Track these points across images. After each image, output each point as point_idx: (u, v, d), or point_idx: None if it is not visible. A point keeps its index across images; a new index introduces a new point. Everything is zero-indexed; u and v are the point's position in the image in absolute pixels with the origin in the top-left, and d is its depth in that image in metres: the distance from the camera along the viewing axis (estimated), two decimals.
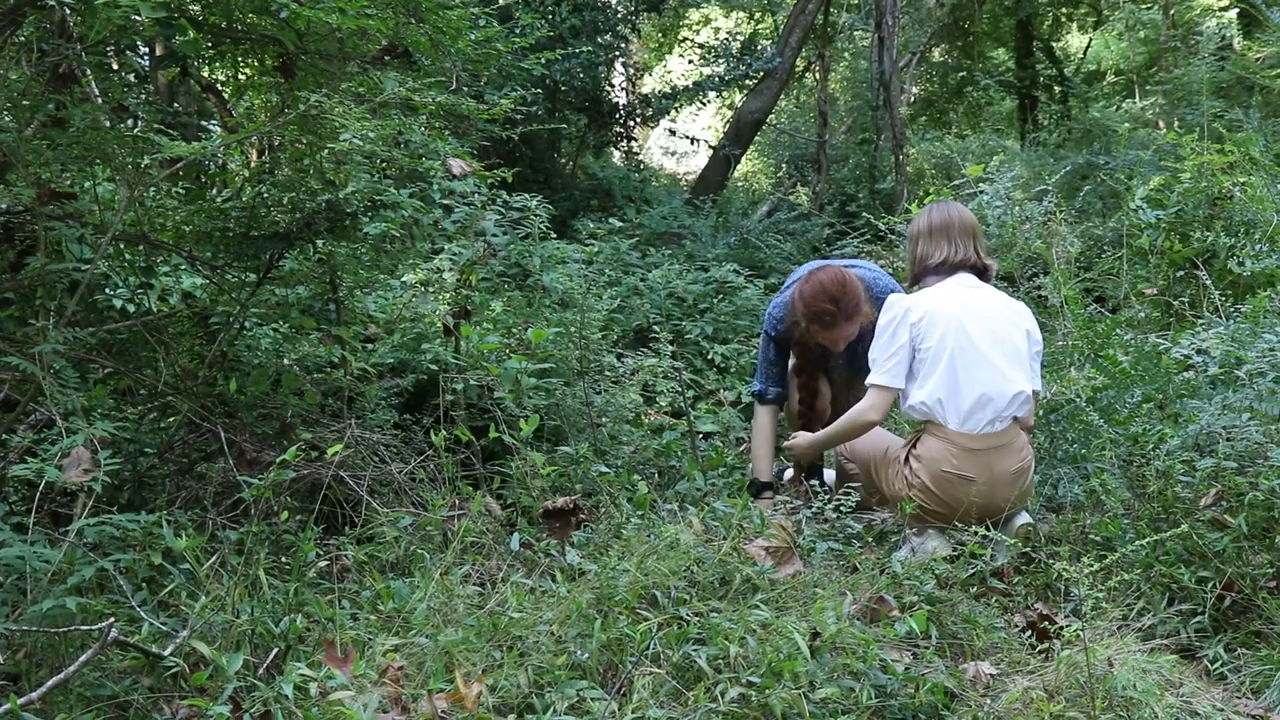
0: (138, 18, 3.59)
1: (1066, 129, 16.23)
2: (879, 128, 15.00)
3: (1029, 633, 3.89)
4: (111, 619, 3.17)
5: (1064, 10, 21.34)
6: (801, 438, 5.24)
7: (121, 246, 5.06)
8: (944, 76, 21.32)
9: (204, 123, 7.74)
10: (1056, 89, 19.96)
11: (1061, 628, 3.62)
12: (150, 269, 5.24)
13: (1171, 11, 18.88)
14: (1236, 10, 16.70)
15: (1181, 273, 7.24)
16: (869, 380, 4.72)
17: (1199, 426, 4.49)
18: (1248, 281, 6.40)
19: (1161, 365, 5.18)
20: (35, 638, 3.26)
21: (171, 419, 5.04)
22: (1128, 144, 12.54)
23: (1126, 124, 14.82)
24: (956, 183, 8.92)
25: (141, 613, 3.44)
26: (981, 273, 4.82)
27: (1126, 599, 4.01)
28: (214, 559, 3.81)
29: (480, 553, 4.35)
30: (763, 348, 5.66)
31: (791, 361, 5.65)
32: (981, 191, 8.27)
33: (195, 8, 4.53)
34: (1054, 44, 21.48)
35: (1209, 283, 6.35)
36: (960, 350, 4.51)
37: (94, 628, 3.15)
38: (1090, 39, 22.15)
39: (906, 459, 4.70)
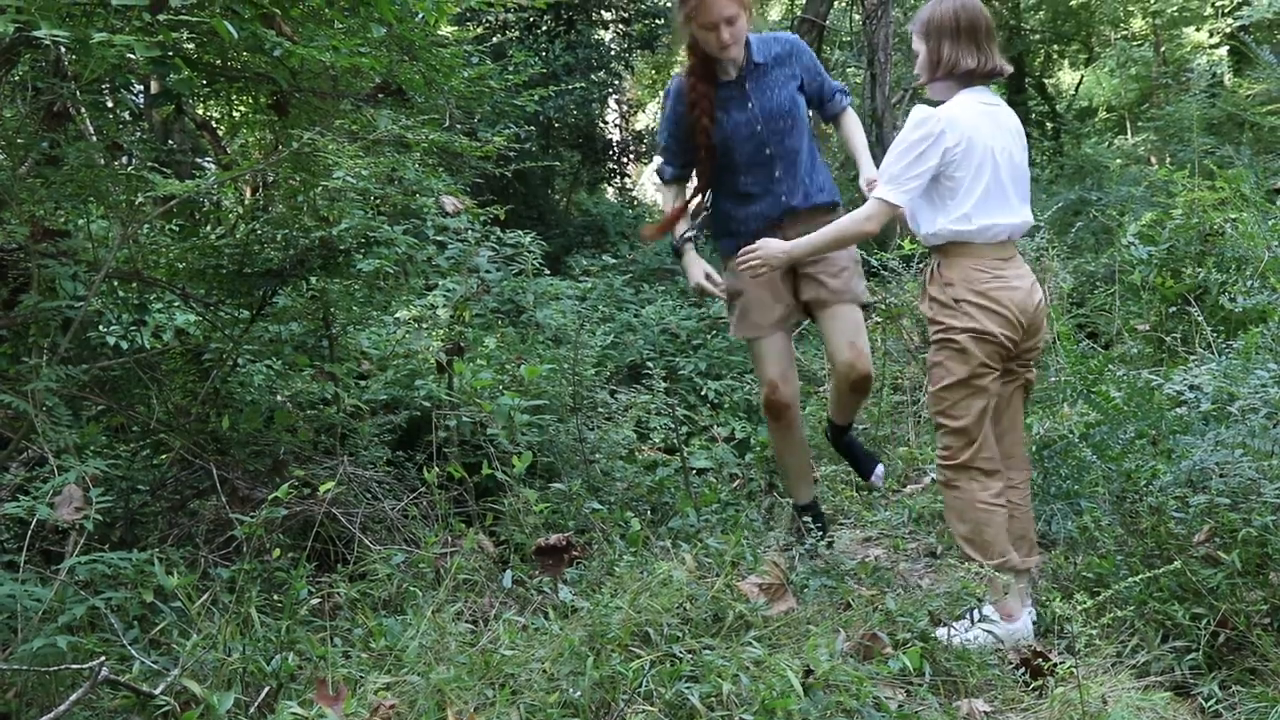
0: (132, 56, 3.60)
1: (1059, 165, 16.32)
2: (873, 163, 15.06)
3: (1023, 670, 3.87)
4: (103, 657, 3.16)
5: (1056, 47, 21.50)
6: (772, 243, 4.53)
7: (115, 284, 5.06)
8: None
9: (198, 160, 7.77)
10: (1049, 125, 20.08)
11: (1055, 665, 3.62)
12: (143, 306, 5.25)
13: (1163, 49, 19.06)
14: (1227, 48, 16.82)
15: (1174, 309, 7.25)
16: (877, 192, 4.22)
17: (1192, 462, 4.48)
18: (1239, 317, 6.41)
19: (1154, 401, 5.18)
20: (26, 676, 3.25)
21: (164, 456, 5.04)
22: (1120, 180, 12.62)
23: (1118, 160, 14.92)
24: None
25: (133, 651, 3.43)
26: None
27: (1120, 636, 4.00)
28: (206, 597, 3.80)
29: (473, 590, 4.34)
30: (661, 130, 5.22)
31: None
32: None
33: (189, 46, 4.54)
34: (1046, 80, 21.65)
35: (1201, 319, 6.36)
36: (995, 183, 4.22)
37: (85, 666, 3.14)
38: (1082, 76, 22.31)
39: (944, 302, 4.24)
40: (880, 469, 5.39)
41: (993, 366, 4.19)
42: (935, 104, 4.27)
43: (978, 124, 4.17)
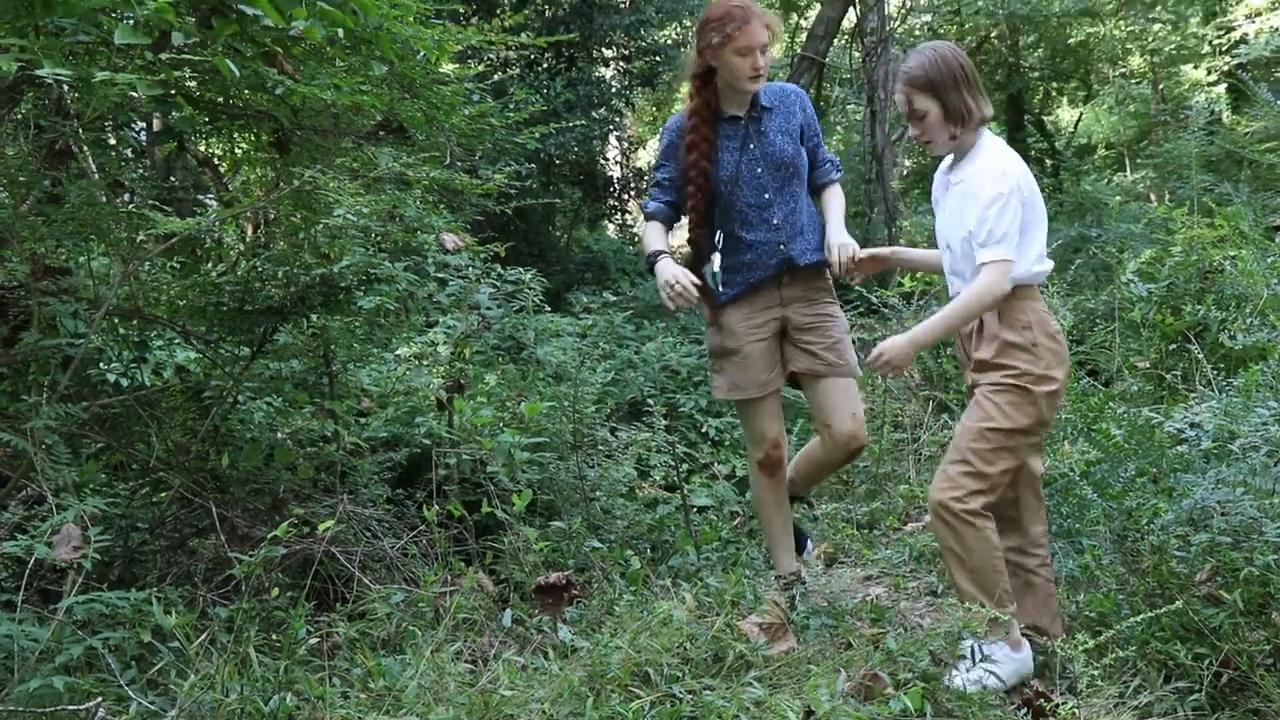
0: (135, 94, 3.61)
1: (1059, 202, 16.36)
2: (872, 201, 15.14)
3: (1025, 710, 3.85)
4: (99, 698, 3.15)
5: (1054, 85, 21.58)
6: (892, 345, 4.23)
7: (116, 321, 5.07)
8: None
9: (201, 197, 7.79)
10: (1048, 162, 20.14)
11: (1058, 705, 3.60)
12: (144, 343, 5.25)
13: (1161, 86, 19.13)
14: (1225, 85, 16.89)
15: (1174, 346, 7.25)
16: (993, 256, 4.04)
17: (1193, 501, 4.47)
18: (1240, 355, 6.41)
19: (1155, 439, 5.17)
20: (22, 718, 3.23)
21: (164, 494, 5.03)
22: (1119, 217, 12.65)
23: (1118, 197, 14.96)
24: None
25: (130, 692, 3.42)
26: None
27: (1123, 676, 3.98)
28: (204, 636, 3.79)
29: (472, 629, 4.33)
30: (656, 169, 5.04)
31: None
32: None
33: (192, 84, 4.56)
34: (1045, 118, 21.73)
35: (1201, 356, 6.37)
36: (1041, 216, 4.22)
37: (82, 707, 3.13)
38: (1081, 113, 22.40)
39: (1022, 345, 4.13)
40: (810, 546, 5.31)
41: (1048, 424, 4.16)
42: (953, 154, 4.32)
43: (1019, 163, 4.17)
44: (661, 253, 4.68)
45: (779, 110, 4.82)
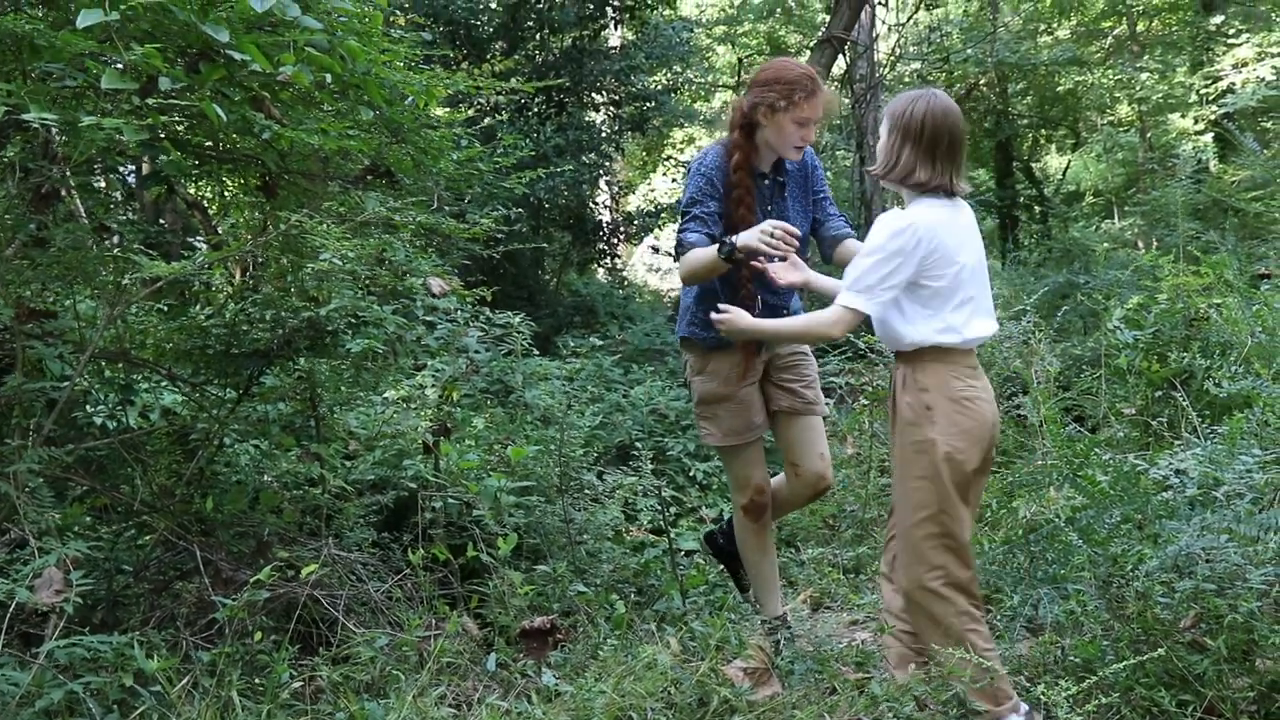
0: (121, 139, 3.63)
1: (1047, 248, 16.44)
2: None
3: None
4: None
5: (1043, 132, 21.72)
6: (739, 314, 4.27)
7: (103, 364, 5.07)
8: None
9: (190, 239, 7.81)
10: (1037, 209, 20.25)
11: None
12: (129, 386, 5.25)
13: (1149, 135, 19.26)
14: (1212, 134, 17.02)
15: (1160, 393, 7.27)
16: (847, 300, 4.02)
17: (1178, 547, 4.47)
18: (1224, 402, 6.42)
19: (1140, 485, 5.17)
20: None
21: (148, 537, 5.02)
22: (1106, 264, 12.69)
23: (1105, 244, 15.01)
24: None
25: None
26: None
27: None
28: (186, 680, 3.77)
29: (456, 673, 4.32)
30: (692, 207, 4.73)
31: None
32: None
33: (180, 128, 4.59)
34: (1033, 165, 21.86)
35: (1187, 403, 6.38)
36: (973, 295, 4.10)
37: None
38: (1069, 160, 22.52)
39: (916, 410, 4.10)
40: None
41: (950, 498, 4.05)
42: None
43: (950, 228, 4.05)
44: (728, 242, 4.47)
45: (796, 178, 4.82)
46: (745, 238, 4.31)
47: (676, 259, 4.79)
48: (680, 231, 4.70)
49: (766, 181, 4.75)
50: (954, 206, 4.14)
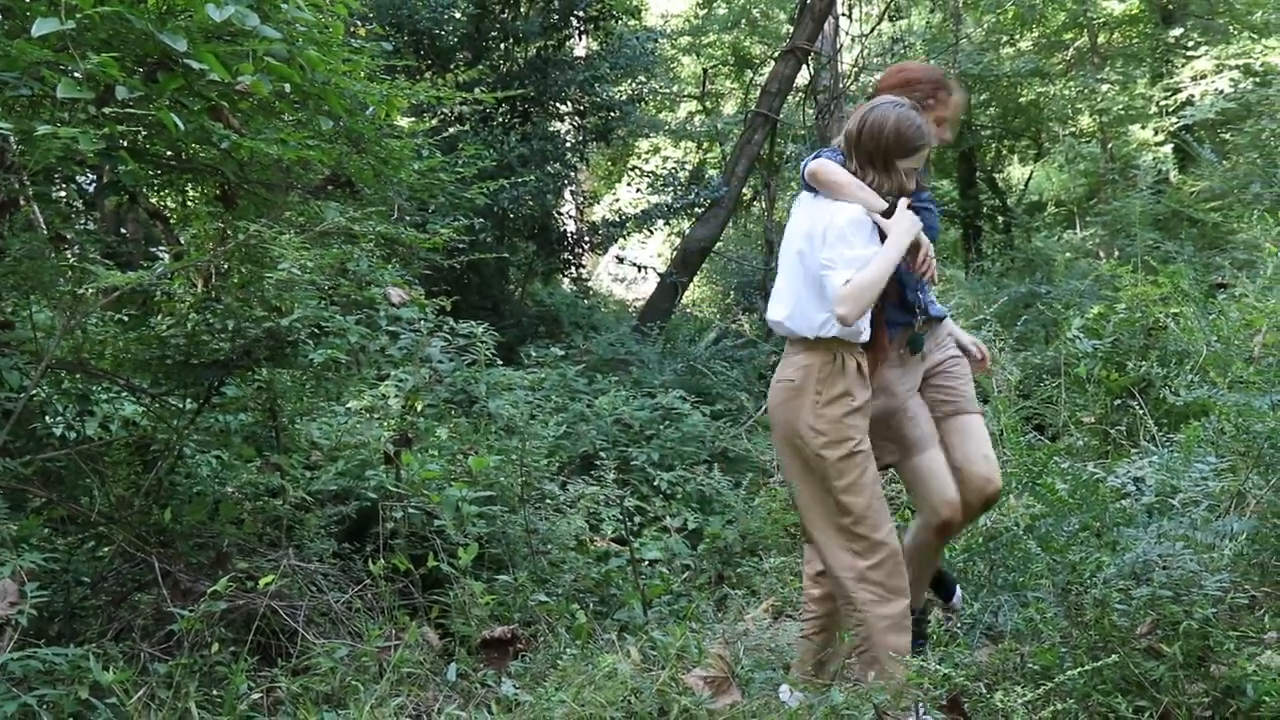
0: (79, 147, 3.62)
1: (1010, 258, 16.52)
2: None
3: None
4: None
5: (1006, 143, 21.85)
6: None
7: (62, 374, 5.04)
8: None
9: (152, 250, 7.76)
10: (999, 219, 20.36)
11: None
12: (86, 397, 5.21)
13: (1110, 145, 19.40)
14: (1172, 145, 17.17)
15: (1118, 401, 7.33)
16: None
17: (1135, 555, 4.51)
18: (1181, 411, 6.48)
19: (1099, 493, 5.21)
20: None
21: (106, 549, 4.98)
22: (1067, 274, 12.78)
23: (1067, 254, 15.11)
24: None
25: None
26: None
27: None
28: (142, 692, 3.75)
29: (416, 684, 4.31)
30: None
31: None
32: None
33: (139, 137, 4.57)
34: (996, 175, 21.97)
35: (1144, 412, 6.44)
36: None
37: None
38: (1032, 171, 22.65)
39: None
40: (959, 592, 5.15)
41: None
42: None
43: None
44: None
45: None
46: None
47: None
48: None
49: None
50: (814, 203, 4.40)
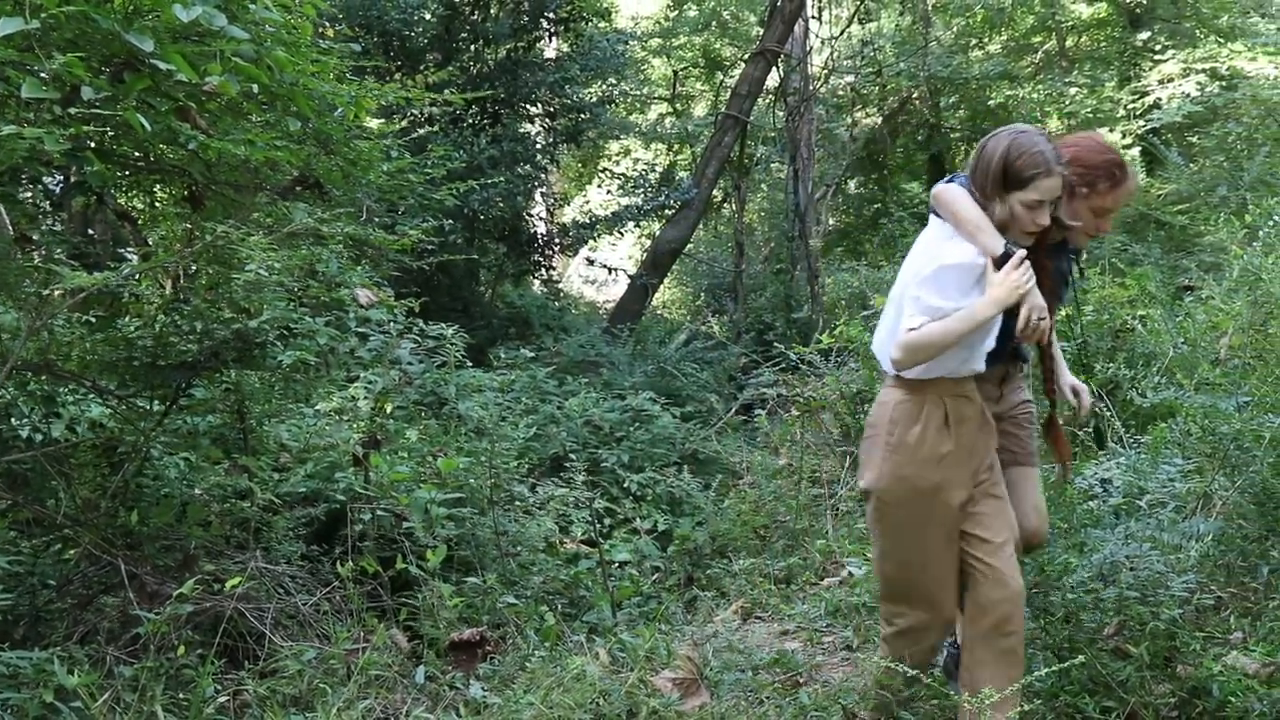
0: (44, 148, 3.60)
1: None
2: (795, 258, 15.26)
3: None
4: None
5: (975, 145, 21.93)
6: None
7: (28, 376, 5.01)
8: (860, 208, 21.76)
9: (121, 251, 7.72)
10: None
11: None
12: (52, 399, 5.18)
13: None
14: (1139, 149, 17.25)
15: None
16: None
17: (1103, 556, 4.53)
18: (1148, 412, 6.51)
19: (1067, 495, 5.24)
20: None
21: (72, 551, 4.95)
22: None
23: None
24: (867, 312, 9.07)
25: None
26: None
27: None
28: (107, 696, 3.72)
29: (384, 686, 4.29)
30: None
31: None
32: None
33: (106, 137, 4.54)
34: None
35: (1112, 413, 6.46)
36: None
37: None
38: None
39: None
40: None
41: None
42: None
43: None
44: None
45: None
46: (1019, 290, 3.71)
47: None
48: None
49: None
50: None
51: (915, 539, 3.87)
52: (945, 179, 4.04)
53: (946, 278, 3.69)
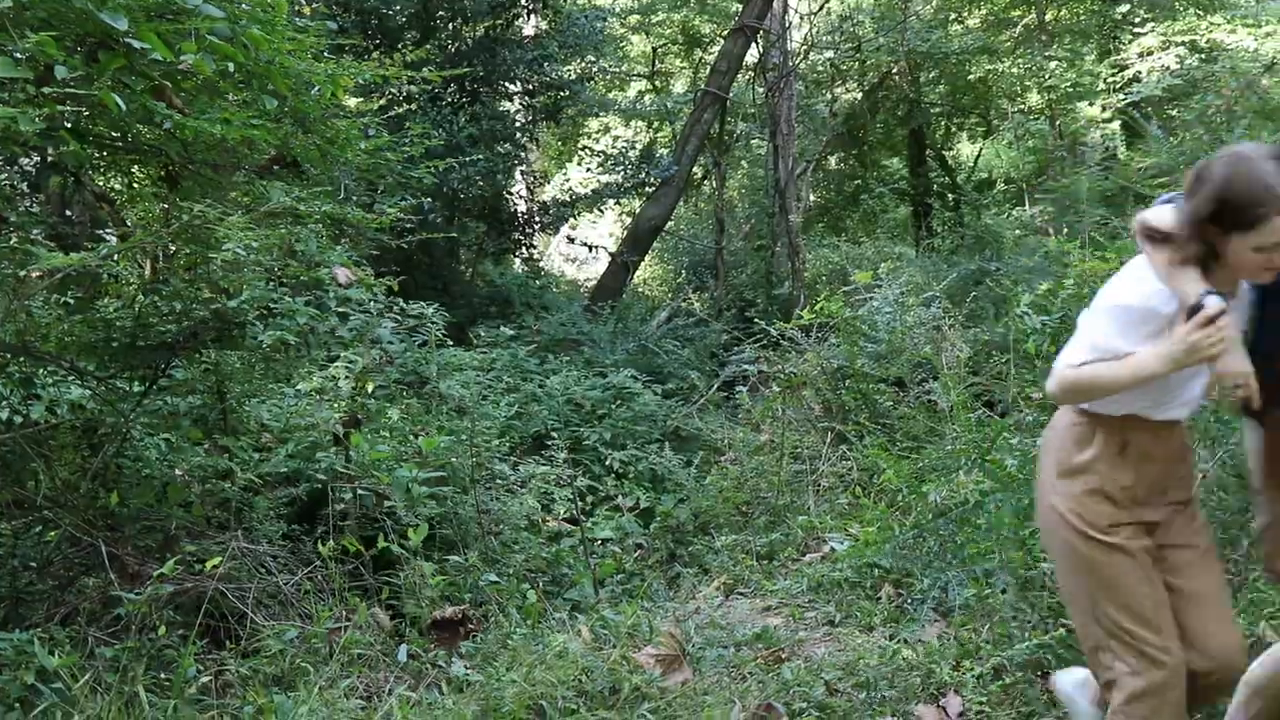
0: (18, 127, 3.57)
1: (959, 235, 16.60)
2: (775, 234, 15.26)
3: None
4: None
5: (955, 120, 21.93)
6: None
7: (6, 358, 4.98)
8: (840, 184, 21.75)
9: (99, 232, 7.69)
10: (949, 196, 20.44)
11: None
12: (31, 380, 5.16)
13: (1058, 122, 19.49)
14: (1119, 122, 17.27)
15: None
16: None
17: None
18: None
19: None
20: None
21: (53, 533, 4.94)
22: (1016, 251, 12.84)
23: (1016, 231, 15.19)
24: (847, 288, 9.09)
25: None
26: None
27: (1015, 702, 4.04)
28: (89, 676, 3.72)
29: (366, 665, 4.30)
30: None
31: None
32: (871, 297, 8.44)
33: (85, 116, 4.51)
34: (946, 153, 22.04)
35: None
36: None
37: None
38: (981, 148, 22.74)
39: None
40: None
41: None
42: None
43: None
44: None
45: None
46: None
47: None
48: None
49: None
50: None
51: (1085, 568, 3.38)
52: (1160, 197, 3.45)
53: (1125, 318, 3.21)
